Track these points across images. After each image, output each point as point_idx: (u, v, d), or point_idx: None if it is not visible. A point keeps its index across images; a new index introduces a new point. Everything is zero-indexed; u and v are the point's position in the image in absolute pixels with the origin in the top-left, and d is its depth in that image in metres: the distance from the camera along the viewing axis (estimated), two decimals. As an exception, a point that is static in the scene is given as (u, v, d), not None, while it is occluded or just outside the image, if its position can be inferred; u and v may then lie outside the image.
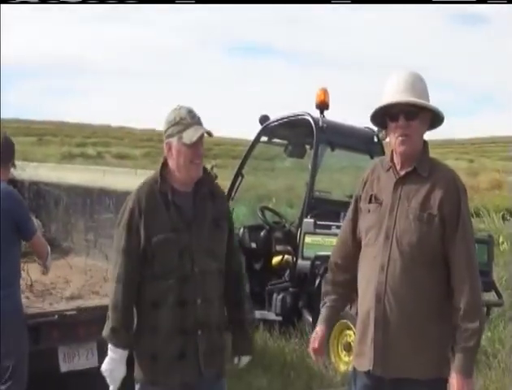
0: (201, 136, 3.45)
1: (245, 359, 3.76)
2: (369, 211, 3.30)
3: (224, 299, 3.62)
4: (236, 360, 3.73)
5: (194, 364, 3.48)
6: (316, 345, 3.51)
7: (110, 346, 3.53)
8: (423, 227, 3.13)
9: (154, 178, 3.53)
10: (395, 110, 3.19)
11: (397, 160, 3.27)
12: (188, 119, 3.44)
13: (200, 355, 3.47)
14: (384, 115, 3.26)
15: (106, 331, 3.53)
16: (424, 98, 3.21)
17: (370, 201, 3.30)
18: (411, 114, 3.17)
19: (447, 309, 3.13)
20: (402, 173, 3.24)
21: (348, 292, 3.49)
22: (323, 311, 3.59)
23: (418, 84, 3.24)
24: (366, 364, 3.24)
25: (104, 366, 3.54)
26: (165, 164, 3.55)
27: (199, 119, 3.50)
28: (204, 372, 3.48)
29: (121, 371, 3.54)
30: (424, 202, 3.15)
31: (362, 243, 3.32)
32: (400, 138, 3.19)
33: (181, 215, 3.47)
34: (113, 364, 3.52)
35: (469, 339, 3.06)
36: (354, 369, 3.37)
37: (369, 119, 3.39)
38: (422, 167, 3.21)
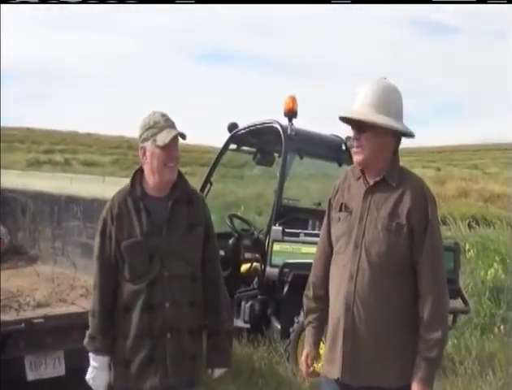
0: (175, 139, 3.48)
1: (219, 371, 3.71)
2: (339, 220, 3.33)
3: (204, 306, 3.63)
4: (209, 371, 3.70)
5: (163, 368, 3.47)
6: (310, 370, 3.56)
7: (90, 354, 3.55)
8: (392, 237, 3.15)
9: (127, 185, 3.57)
10: (350, 123, 3.27)
11: (364, 171, 3.31)
12: (161, 122, 3.48)
13: (168, 359, 3.46)
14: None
15: (85, 339, 3.55)
16: (384, 111, 3.22)
17: (340, 210, 3.34)
18: (361, 127, 3.23)
19: (416, 319, 3.14)
20: (372, 182, 3.27)
21: (328, 304, 3.46)
22: (311, 332, 3.58)
23: (377, 96, 3.25)
24: (335, 372, 3.26)
25: (87, 375, 3.56)
26: (140, 170, 3.57)
27: (173, 122, 3.53)
28: (172, 377, 3.47)
29: (104, 378, 3.55)
30: (393, 212, 3.17)
31: (334, 250, 3.36)
32: (354, 149, 3.28)
33: (152, 220, 3.48)
34: (95, 372, 3.54)
35: (430, 349, 3.09)
36: (324, 376, 3.39)
37: (340, 127, 3.46)
38: (391, 177, 3.24)
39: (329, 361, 3.32)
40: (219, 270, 3.76)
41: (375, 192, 3.25)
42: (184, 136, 3.51)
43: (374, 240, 3.18)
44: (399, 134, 3.29)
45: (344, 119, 3.33)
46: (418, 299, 3.15)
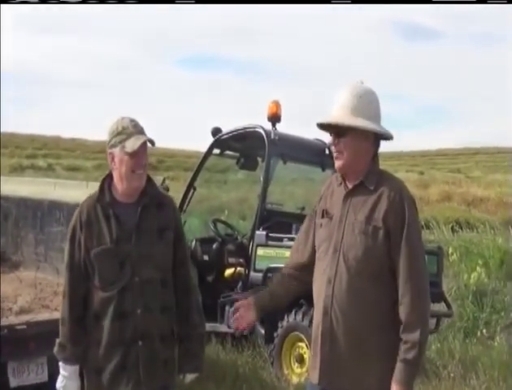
0: (144, 145, 3.43)
1: (190, 376, 3.66)
2: (321, 226, 3.34)
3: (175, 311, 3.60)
4: (181, 376, 3.65)
5: (136, 376, 3.44)
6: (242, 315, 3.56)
7: (60, 363, 3.52)
8: (368, 240, 3.15)
9: (96, 191, 3.53)
10: (329, 128, 3.28)
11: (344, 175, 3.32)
12: (130, 128, 3.43)
13: (140, 366, 3.44)
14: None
15: (55, 347, 3.52)
16: (361, 114, 3.22)
17: (322, 216, 3.35)
18: (340, 132, 3.23)
19: (397, 321, 3.12)
20: (350, 186, 3.28)
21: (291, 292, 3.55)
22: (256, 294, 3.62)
23: (355, 100, 3.25)
24: (316, 377, 3.27)
25: (57, 384, 3.53)
26: (109, 176, 3.54)
27: (142, 128, 3.48)
28: (145, 384, 3.44)
29: (74, 387, 3.52)
30: (370, 215, 3.17)
31: (316, 256, 3.35)
32: (334, 154, 3.28)
33: (122, 226, 3.45)
34: (64, 381, 3.51)
35: (408, 351, 3.06)
36: (309, 381, 3.38)
37: (320, 131, 3.44)
38: (369, 180, 3.24)
39: (312, 367, 3.32)
40: (189, 273, 3.72)
41: (354, 196, 3.25)
42: (152, 143, 3.48)
43: (351, 244, 3.18)
44: (378, 137, 3.29)
45: (322, 126, 3.33)
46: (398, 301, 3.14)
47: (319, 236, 3.34)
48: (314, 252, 3.39)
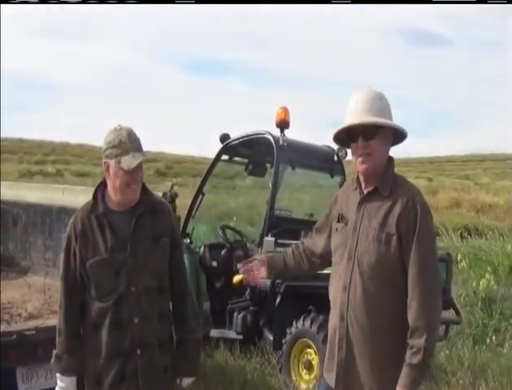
0: (140, 164, 3.42)
1: (187, 380, 3.67)
2: (337, 230, 3.39)
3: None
4: (178, 381, 3.65)
5: (135, 385, 3.44)
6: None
7: (57, 375, 3.53)
8: (382, 247, 3.17)
9: (90, 200, 3.53)
10: (354, 131, 3.25)
11: (361, 179, 3.34)
12: (127, 143, 3.39)
13: (139, 375, 3.43)
14: (346, 136, 3.32)
15: (52, 359, 3.53)
16: (383, 116, 3.25)
17: (338, 221, 3.39)
18: (369, 134, 3.23)
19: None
20: (365, 192, 3.30)
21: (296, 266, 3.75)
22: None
23: (376, 102, 3.27)
24: (332, 380, 3.32)
25: None
26: (103, 184, 3.54)
27: (139, 142, 3.45)
28: None
29: None
30: (384, 222, 3.19)
31: (332, 260, 3.42)
32: (360, 158, 3.25)
33: (116, 236, 3.45)
34: None
35: (414, 356, 3.08)
36: (324, 381, 3.43)
37: (331, 139, 3.44)
38: (383, 186, 3.26)
39: (328, 369, 3.38)
40: (185, 278, 3.71)
41: (369, 202, 3.28)
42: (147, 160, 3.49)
43: (365, 250, 3.21)
44: (394, 140, 3.33)
45: (339, 134, 3.34)
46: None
47: (335, 241, 3.40)
48: (326, 248, 3.53)
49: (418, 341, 3.07)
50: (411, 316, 3.10)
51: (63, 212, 6.47)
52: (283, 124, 7.96)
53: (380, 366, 3.19)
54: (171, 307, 3.60)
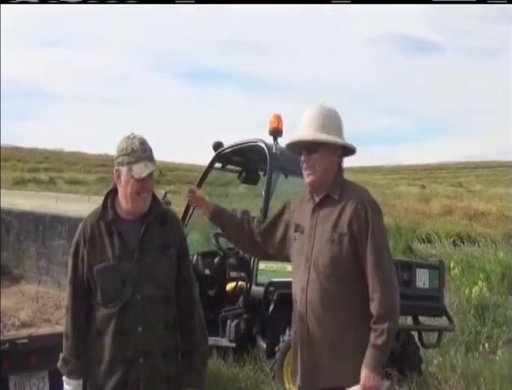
0: (151, 173, 3.45)
1: None
2: (295, 239, 3.60)
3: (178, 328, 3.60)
4: None
5: None
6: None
7: (63, 377, 3.52)
8: (335, 247, 3.39)
9: (99, 207, 3.54)
10: (301, 145, 3.55)
11: (310, 189, 3.59)
12: (139, 151, 3.43)
13: (141, 384, 3.43)
14: (298, 148, 3.61)
15: (59, 362, 3.52)
16: (328, 132, 3.49)
17: (295, 230, 3.60)
18: (311, 149, 3.50)
19: (367, 320, 3.33)
20: (317, 200, 3.52)
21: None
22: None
23: (321, 119, 3.52)
24: (298, 382, 3.51)
25: None
26: (114, 190, 3.55)
27: (151, 152, 3.49)
28: None
29: None
30: (336, 223, 3.41)
31: (292, 268, 3.65)
32: (305, 171, 3.54)
33: (124, 243, 3.46)
34: None
35: (378, 337, 3.29)
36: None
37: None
38: (333, 191, 3.48)
39: (293, 373, 3.58)
40: (193, 290, 3.71)
41: (322, 209, 3.50)
42: (160, 172, 3.51)
43: (320, 252, 3.42)
44: (344, 151, 3.56)
45: (291, 145, 3.65)
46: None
47: (293, 250, 3.61)
48: (277, 245, 3.75)
49: (381, 325, 3.29)
50: (374, 306, 3.32)
51: (56, 220, 6.47)
52: (276, 132, 7.96)
53: (340, 357, 3.37)
54: (177, 317, 3.60)
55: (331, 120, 3.54)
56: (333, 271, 3.38)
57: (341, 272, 3.38)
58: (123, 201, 3.49)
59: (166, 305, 3.51)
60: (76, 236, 3.53)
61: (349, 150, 3.59)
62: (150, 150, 3.49)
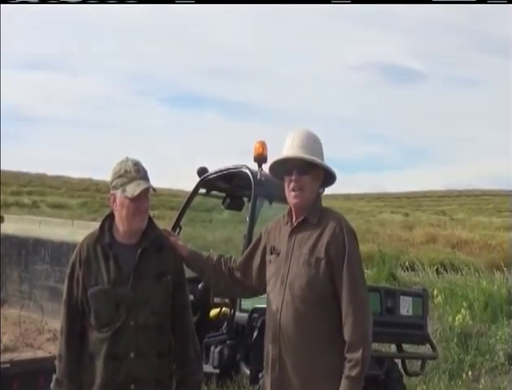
0: (145, 191, 3.46)
1: None
2: (270, 262, 3.61)
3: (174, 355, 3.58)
4: None
5: None
6: None
7: None
8: (312, 270, 3.40)
9: (96, 230, 3.55)
10: (289, 165, 3.54)
11: (293, 211, 3.59)
12: (132, 172, 3.45)
13: None
14: (281, 169, 3.62)
15: (52, 383, 3.52)
16: (317, 157, 3.53)
17: (271, 253, 3.61)
18: (303, 170, 3.51)
19: (341, 344, 3.33)
20: (295, 223, 3.54)
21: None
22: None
23: (311, 143, 3.57)
24: None
25: None
26: (110, 216, 3.56)
27: (145, 172, 3.51)
28: None
29: None
30: (313, 247, 3.43)
31: (267, 290, 3.62)
32: (293, 192, 3.55)
33: (120, 268, 3.46)
34: None
35: (352, 369, 3.29)
36: None
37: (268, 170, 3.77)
38: (312, 215, 3.51)
39: (263, 387, 3.59)
40: (190, 319, 3.72)
41: (299, 232, 3.52)
42: (154, 190, 3.51)
43: (296, 275, 3.44)
44: (325, 179, 3.61)
45: (275, 164, 3.66)
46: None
47: (269, 272, 3.61)
48: (256, 274, 3.73)
49: (355, 355, 3.28)
50: (347, 331, 3.33)
51: (40, 244, 6.46)
52: (260, 159, 7.95)
53: (313, 381, 3.37)
54: (172, 346, 3.59)
55: (318, 146, 3.59)
56: (309, 295, 3.40)
57: (317, 296, 3.40)
58: (120, 224, 3.50)
59: (160, 333, 3.51)
60: (73, 257, 3.53)
61: (330, 179, 3.64)
62: (145, 171, 3.51)
